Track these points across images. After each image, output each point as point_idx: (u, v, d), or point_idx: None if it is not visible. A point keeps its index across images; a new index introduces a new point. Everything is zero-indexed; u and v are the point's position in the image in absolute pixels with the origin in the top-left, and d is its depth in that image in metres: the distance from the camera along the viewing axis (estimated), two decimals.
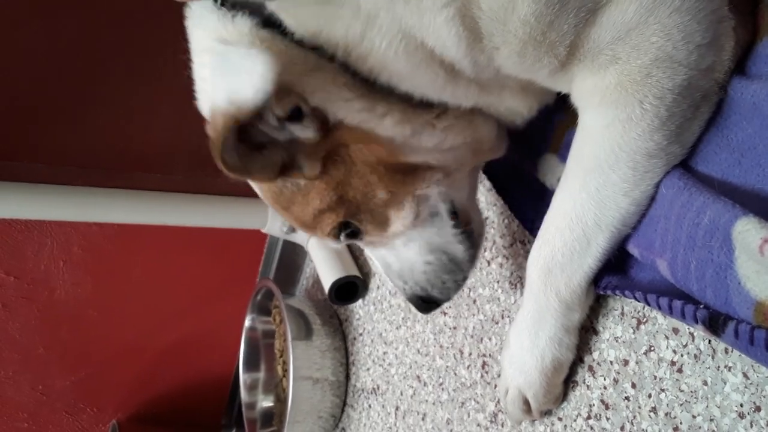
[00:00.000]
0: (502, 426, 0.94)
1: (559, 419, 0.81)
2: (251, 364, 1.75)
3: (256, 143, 0.61)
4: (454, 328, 1.11)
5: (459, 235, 0.78)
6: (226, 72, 0.54)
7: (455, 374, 1.08)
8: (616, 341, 0.74)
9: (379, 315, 1.43)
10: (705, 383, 0.62)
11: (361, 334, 1.51)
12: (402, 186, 0.71)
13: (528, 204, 0.86)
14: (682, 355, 0.66)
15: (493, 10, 0.55)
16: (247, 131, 0.59)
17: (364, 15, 0.58)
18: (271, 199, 0.73)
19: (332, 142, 0.66)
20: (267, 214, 1.66)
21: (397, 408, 1.28)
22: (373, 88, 0.64)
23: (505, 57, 0.59)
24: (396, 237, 0.76)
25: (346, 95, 0.64)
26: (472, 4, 0.55)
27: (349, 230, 0.74)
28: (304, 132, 0.63)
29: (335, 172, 0.68)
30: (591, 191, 0.62)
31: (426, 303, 0.81)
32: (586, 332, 0.78)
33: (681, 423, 0.64)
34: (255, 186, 0.75)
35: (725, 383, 0.60)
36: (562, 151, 0.77)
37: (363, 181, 0.69)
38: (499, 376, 0.85)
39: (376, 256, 0.82)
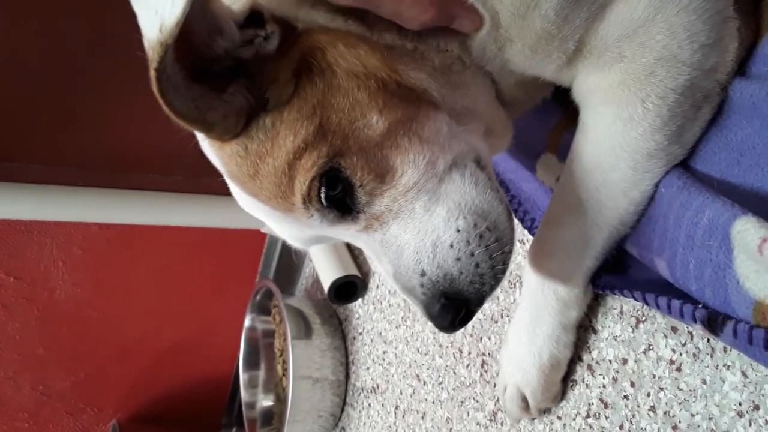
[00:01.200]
0: (502, 425, 0.94)
1: (558, 418, 0.82)
2: (251, 364, 1.76)
3: (216, 86, 0.52)
4: None
5: (496, 192, 0.59)
6: None
7: (455, 373, 1.09)
8: (615, 340, 0.74)
9: (378, 314, 1.44)
10: (704, 382, 0.63)
11: (360, 334, 1.51)
12: (402, 115, 0.55)
13: (527, 203, 0.86)
14: (680, 354, 0.66)
15: (515, 5, 0.55)
16: (198, 65, 0.50)
17: None
18: (236, 168, 0.56)
19: (303, 49, 0.54)
20: None
21: (396, 407, 1.28)
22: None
23: (518, 51, 0.59)
24: (413, 197, 0.56)
25: (324, 15, 0.56)
26: None
27: (338, 190, 0.55)
28: (269, 44, 0.53)
29: (310, 90, 0.53)
30: (590, 191, 0.62)
31: (450, 305, 0.56)
32: (585, 331, 0.78)
33: (680, 422, 0.65)
34: (216, 161, 0.60)
35: (724, 382, 0.60)
36: (560, 151, 0.77)
37: (349, 100, 0.54)
38: (498, 374, 0.85)
39: (382, 242, 0.59)
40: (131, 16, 0.51)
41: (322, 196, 0.55)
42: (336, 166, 0.54)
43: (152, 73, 0.45)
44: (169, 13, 0.43)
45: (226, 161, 0.57)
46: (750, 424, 0.57)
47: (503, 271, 0.58)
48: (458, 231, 0.56)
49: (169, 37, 0.43)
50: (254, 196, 0.58)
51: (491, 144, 0.66)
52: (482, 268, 0.57)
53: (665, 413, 0.66)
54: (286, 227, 0.63)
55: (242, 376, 1.74)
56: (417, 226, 0.57)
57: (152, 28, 0.44)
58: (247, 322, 1.74)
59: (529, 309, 0.73)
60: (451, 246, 0.56)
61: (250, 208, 0.63)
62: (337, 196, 0.55)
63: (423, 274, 0.57)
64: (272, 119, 0.54)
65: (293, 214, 0.57)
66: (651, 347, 0.70)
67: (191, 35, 0.47)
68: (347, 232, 0.60)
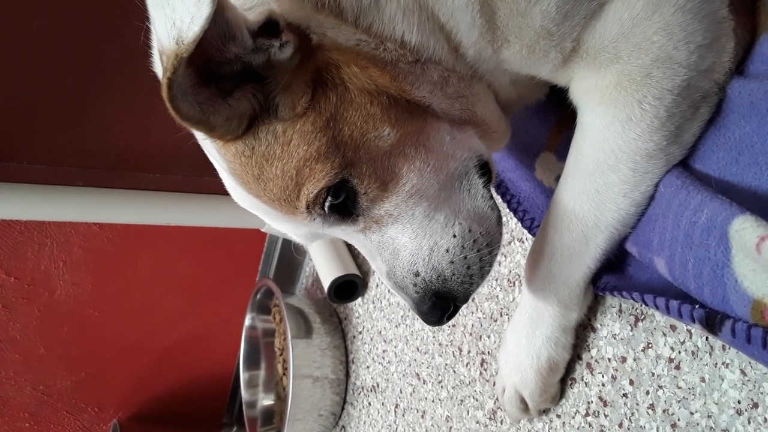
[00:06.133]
0: (501, 423, 0.94)
1: (558, 416, 0.82)
2: (251, 363, 1.76)
3: (223, 88, 0.53)
4: (453, 325, 1.11)
5: (489, 200, 0.63)
6: (164, 4, 0.45)
7: (454, 372, 1.09)
8: (614, 338, 0.74)
9: (378, 313, 1.44)
10: (703, 380, 0.63)
11: (360, 332, 1.51)
12: (411, 127, 0.59)
13: (526, 202, 0.86)
14: (679, 352, 0.66)
15: (516, 2, 0.56)
16: (207, 67, 0.51)
17: None
18: (240, 167, 0.58)
19: (317, 63, 0.56)
20: None
21: (396, 405, 1.29)
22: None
23: (515, 51, 0.60)
24: (415, 203, 0.60)
25: (334, 22, 0.57)
26: None
27: (341, 198, 0.58)
28: (282, 52, 0.53)
29: (325, 104, 0.56)
30: (591, 193, 0.62)
31: (439, 302, 0.62)
32: (584, 329, 0.78)
33: (679, 419, 0.65)
34: (216, 157, 0.61)
35: (723, 380, 0.61)
36: (559, 150, 0.77)
37: (362, 114, 0.57)
38: (497, 373, 0.86)
39: (379, 244, 0.63)
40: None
41: (327, 204, 0.58)
42: (346, 177, 0.57)
43: (164, 81, 0.46)
44: (188, 29, 0.44)
45: (230, 159, 0.58)
46: (749, 422, 0.57)
47: (489, 271, 0.64)
48: (455, 236, 0.61)
49: (186, 52, 0.45)
50: (256, 197, 0.60)
51: (489, 146, 0.69)
52: (472, 270, 0.62)
53: (664, 411, 0.67)
54: (283, 225, 0.65)
55: (242, 375, 1.74)
56: (415, 230, 0.61)
57: (169, 38, 0.45)
58: (247, 321, 1.74)
59: (528, 310, 0.73)
60: (447, 251, 0.61)
61: (246, 204, 0.65)
62: (340, 203, 0.59)
63: (417, 274, 0.62)
64: (284, 127, 0.56)
65: (294, 216, 0.60)
66: (650, 345, 0.70)
67: (204, 42, 0.47)
68: (343, 232, 0.63)
